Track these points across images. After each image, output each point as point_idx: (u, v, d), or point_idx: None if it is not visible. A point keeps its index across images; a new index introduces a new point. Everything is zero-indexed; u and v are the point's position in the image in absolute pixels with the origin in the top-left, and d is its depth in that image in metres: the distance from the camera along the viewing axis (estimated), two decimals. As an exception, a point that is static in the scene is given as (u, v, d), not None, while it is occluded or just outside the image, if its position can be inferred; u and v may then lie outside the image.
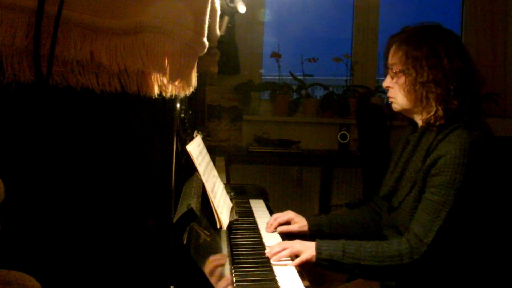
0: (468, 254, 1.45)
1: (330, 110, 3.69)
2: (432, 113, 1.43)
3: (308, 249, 1.44)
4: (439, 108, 1.43)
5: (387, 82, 1.57)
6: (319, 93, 3.96)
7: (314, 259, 1.42)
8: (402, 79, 1.50)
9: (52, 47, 0.85)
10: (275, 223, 1.73)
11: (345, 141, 3.51)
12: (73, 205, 0.96)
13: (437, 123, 1.44)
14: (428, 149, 1.44)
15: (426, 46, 1.46)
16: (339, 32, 4.34)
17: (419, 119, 1.52)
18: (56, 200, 0.95)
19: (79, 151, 0.96)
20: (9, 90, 0.87)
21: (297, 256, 1.43)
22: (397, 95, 1.53)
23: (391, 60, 1.54)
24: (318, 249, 1.42)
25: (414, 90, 1.46)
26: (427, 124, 1.46)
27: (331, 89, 3.83)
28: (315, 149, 3.64)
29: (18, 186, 0.90)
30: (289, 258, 1.44)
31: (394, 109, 1.57)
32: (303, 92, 3.77)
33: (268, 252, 1.46)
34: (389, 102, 1.59)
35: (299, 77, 3.78)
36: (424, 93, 1.45)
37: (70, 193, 0.96)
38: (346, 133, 3.50)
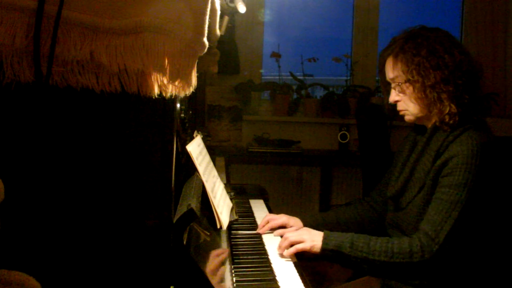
0: (478, 253, 1.45)
1: (330, 110, 3.69)
2: (446, 111, 1.42)
3: (311, 238, 1.43)
4: (452, 105, 1.41)
5: (393, 96, 1.53)
6: (319, 93, 3.96)
7: (315, 249, 1.41)
8: (410, 89, 1.47)
9: (52, 47, 0.85)
10: (268, 227, 1.68)
11: (345, 141, 3.51)
12: (73, 205, 0.96)
13: (451, 121, 1.43)
14: (438, 150, 1.44)
15: (424, 49, 1.45)
16: (339, 32, 4.35)
17: (430, 123, 1.51)
18: (56, 200, 0.95)
19: (79, 151, 0.96)
20: (9, 90, 0.87)
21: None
22: (408, 106, 1.50)
23: (392, 73, 1.51)
24: (325, 238, 1.41)
25: (426, 96, 1.44)
26: (442, 123, 1.46)
27: (331, 89, 3.84)
28: (315, 149, 3.65)
29: (18, 186, 0.90)
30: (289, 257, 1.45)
31: (409, 121, 1.54)
32: (303, 92, 3.77)
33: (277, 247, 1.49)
34: (401, 115, 1.55)
35: (299, 77, 3.79)
36: (436, 95, 1.42)
37: (70, 193, 0.96)
38: (346, 133, 3.50)
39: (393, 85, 1.53)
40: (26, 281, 0.75)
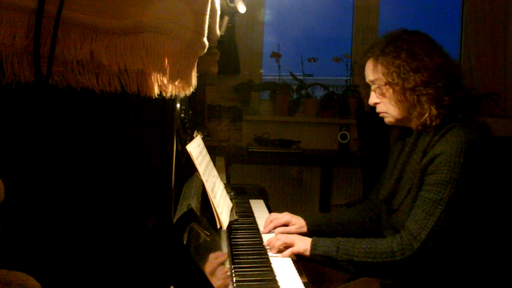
0: (464, 251, 1.45)
1: (330, 110, 3.69)
2: (427, 114, 1.43)
3: (302, 242, 1.47)
4: (432, 108, 1.43)
5: (373, 98, 1.54)
6: (319, 93, 3.96)
7: (307, 253, 1.45)
8: (390, 91, 1.48)
9: (52, 47, 0.85)
10: (271, 225, 1.72)
11: (345, 141, 3.51)
12: (73, 205, 0.96)
13: (433, 123, 1.43)
14: (425, 150, 1.45)
15: (403, 52, 1.45)
16: (339, 32, 4.35)
17: (414, 124, 1.51)
18: (56, 200, 0.95)
19: (79, 151, 0.96)
20: (9, 90, 0.87)
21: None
22: (388, 108, 1.51)
23: (372, 76, 1.52)
24: (313, 245, 1.45)
25: (406, 98, 1.45)
26: (424, 126, 1.46)
27: (331, 89, 3.83)
28: (315, 149, 3.65)
29: (18, 186, 0.90)
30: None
31: (389, 123, 1.55)
32: (303, 92, 3.77)
33: (265, 243, 1.53)
34: (381, 117, 1.56)
35: (299, 77, 3.79)
36: (416, 98, 1.44)
37: (70, 193, 0.96)
38: (346, 133, 3.50)
39: (373, 87, 1.54)
40: (26, 281, 0.75)
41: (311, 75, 3.85)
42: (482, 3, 3.71)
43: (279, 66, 3.73)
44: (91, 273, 0.96)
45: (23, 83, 0.87)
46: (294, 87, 3.76)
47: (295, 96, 3.79)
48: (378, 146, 2.85)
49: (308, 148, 3.60)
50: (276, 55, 3.70)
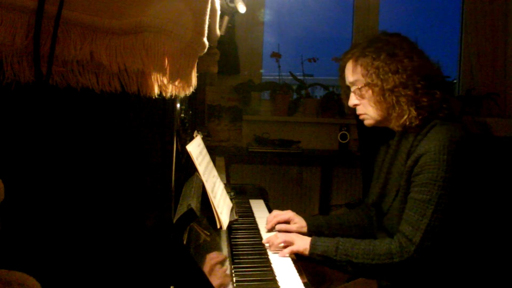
0: (458, 250, 1.45)
1: (330, 110, 3.69)
2: (406, 115, 1.43)
3: (302, 241, 1.47)
4: (411, 109, 1.43)
5: (352, 100, 1.54)
6: (319, 93, 3.95)
7: (306, 252, 1.45)
8: (369, 93, 1.48)
9: (52, 47, 0.85)
10: (274, 221, 1.73)
11: (345, 141, 3.50)
12: (73, 205, 0.96)
13: (414, 124, 1.44)
14: (409, 151, 1.45)
15: (383, 53, 1.46)
16: (339, 32, 4.35)
17: (394, 126, 1.51)
18: (56, 200, 0.95)
19: (79, 151, 0.96)
20: (9, 90, 0.87)
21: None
22: (368, 110, 1.52)
23: (351, 77, 1.53)
24: (312, 244, 1.45)
25: (385, 99, 1.45)
26: (404, 127, 1.46)
27: (331, 89, 3.83)
28: (315, 149, 3.64)
29: (18, 186, 0.90)
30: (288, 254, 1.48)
31: (369, 125, 1.56)
32: (303, 92, 3.77)
33: (264, 241, 1.53)
34: (361, 119, 1.57)
35: (299, 77, 3.78)
36: (395, 99, 1.44)
37: (70, 193, 0.96)
38: (346, 133, 3.50)
39: (352, 89, 1.54)
40: (26, 281, 0.75)
41: (311, 75, 3.85)
42: (482, 3, 3.71)
43: (279, 66, 3.73)
44: (91, 273, 0.96)
45: (23, 83, 0.87)
46: (294, 87, 3.76)
47: (295, 96, 3.79)
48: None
49: (308, 148, 3.60)
50: (276, 55, 3.70)
